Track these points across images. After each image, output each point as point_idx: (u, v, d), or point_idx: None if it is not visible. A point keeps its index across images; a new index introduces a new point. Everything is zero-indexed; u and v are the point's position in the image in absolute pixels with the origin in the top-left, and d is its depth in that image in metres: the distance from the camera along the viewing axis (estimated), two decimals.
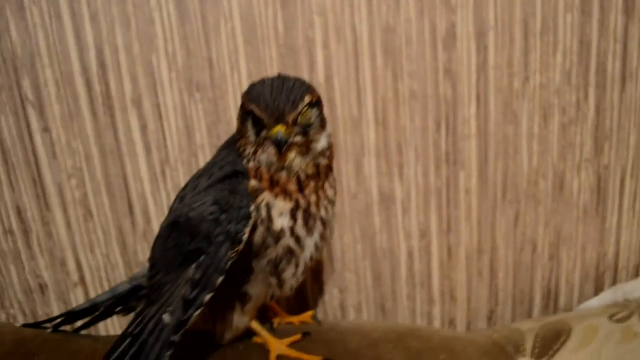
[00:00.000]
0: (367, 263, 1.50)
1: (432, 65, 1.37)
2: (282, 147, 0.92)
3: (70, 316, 1.20)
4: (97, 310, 1.19)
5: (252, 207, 0.93)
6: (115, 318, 1.44)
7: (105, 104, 1.30)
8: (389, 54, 1.35)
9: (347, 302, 1.52)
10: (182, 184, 1.25)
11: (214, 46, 1.29)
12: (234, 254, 0.91)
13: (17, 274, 1.40)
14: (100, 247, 1.40)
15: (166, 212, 1.17)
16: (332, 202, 1.08)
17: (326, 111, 1.33)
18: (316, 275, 1.49)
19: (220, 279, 0.90)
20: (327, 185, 1.05)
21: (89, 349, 1.06)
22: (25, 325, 1.13)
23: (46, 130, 1.30)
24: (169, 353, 0.88)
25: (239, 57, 1.30)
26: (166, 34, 1.27)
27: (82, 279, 1.42)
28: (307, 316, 1.23)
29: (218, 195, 0.94)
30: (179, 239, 0.95)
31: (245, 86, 1.32)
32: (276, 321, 1.21)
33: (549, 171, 1.48)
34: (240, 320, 1.05)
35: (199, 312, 0.90)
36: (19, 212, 1.36)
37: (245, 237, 0.92)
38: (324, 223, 1.05)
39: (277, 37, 1.30)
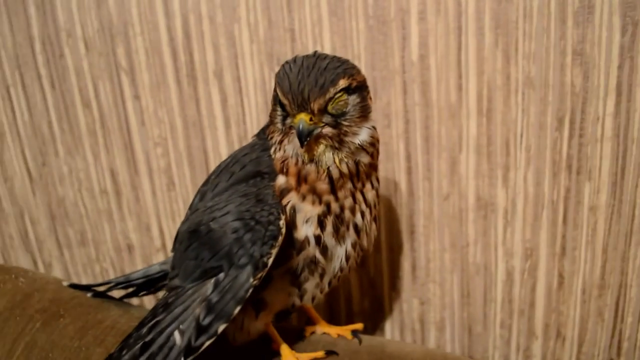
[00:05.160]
0: (455, 276, 1.28)
1: (557, 45, 1.08)
2: (303, 139, 0.78)
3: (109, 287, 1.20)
4: (132, 286, 1.19)
5: (282, 222, 0.81)
6: None
7: (189, 75, 1.28)
8: (501, 29, 1.10)
9: (427, 317, 1.33)
10: None
11: (296, 16, 1.18)
12: (255, 281, 0.80)
13: (110, 232, 1.48)
14: (181, 217, 1.41)
15: None
16: (372, 206, 0.91)
17: (418, 95, 1.15)
18: (393, 281, 1.32)
19: (238, 309, 0.80)
20: (367, 187, 0.89)
21: (110, 321, 1.04)
22: (72, 285, 1.17)
23: (136, 97, 1.33)
24: None
25: (323, 29, 1.17)
26: (248, 3, 1.19)
27: (164, 246, 1.45)
28: (347, 329, 1.07)
29: (242, 206, 0.83)
30: (199, 250, 0.87)
31: None
32: (309, 330, 1.07)
33: None
34: (253, 325, 0.93)
35: (211, 341, 0.80)
36: (112, 174, 1.42)
37: (271, 260, 0.80)
38: (358, 231, 0.90)
39: (365, 6, 1.14)
